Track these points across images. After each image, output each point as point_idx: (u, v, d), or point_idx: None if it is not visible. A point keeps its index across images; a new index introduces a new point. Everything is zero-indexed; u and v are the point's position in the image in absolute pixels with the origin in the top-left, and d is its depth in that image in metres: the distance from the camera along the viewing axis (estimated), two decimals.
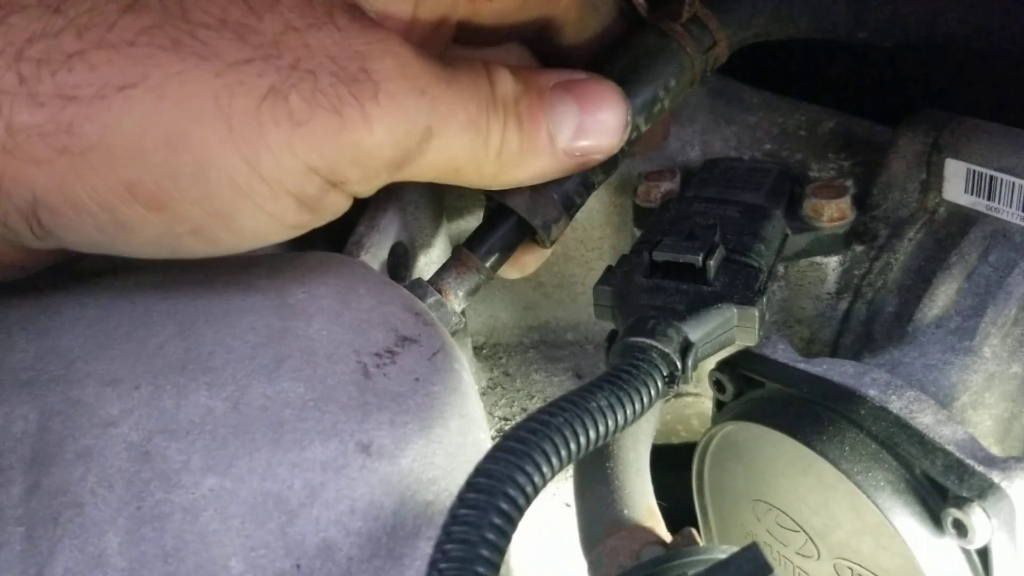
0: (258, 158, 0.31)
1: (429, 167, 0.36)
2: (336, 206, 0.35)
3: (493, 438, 0.37)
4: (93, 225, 0.32)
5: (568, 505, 0.56)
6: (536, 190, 0.44)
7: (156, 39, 0.30)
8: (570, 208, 0.44)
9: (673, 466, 0.48)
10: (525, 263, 0.48)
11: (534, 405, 0.61)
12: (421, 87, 0.34)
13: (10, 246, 0.34)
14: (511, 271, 0.48)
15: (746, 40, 0.49)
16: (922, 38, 0.47)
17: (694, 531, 0.34)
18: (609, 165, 0.44)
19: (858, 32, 0.48)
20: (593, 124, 0.40)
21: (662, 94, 0.44)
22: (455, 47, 0.42)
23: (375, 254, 0.47)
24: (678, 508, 0.45)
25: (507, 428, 0.58)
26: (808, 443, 0.39)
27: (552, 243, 0.45)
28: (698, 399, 0.59)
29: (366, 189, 0.36)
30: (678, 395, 0.60)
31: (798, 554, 0.43)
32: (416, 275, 0.51)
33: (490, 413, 0.60)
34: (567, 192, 0.44)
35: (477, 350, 0.64)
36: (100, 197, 0.31)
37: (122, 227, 0.32)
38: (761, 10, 0.48)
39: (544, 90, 0.39)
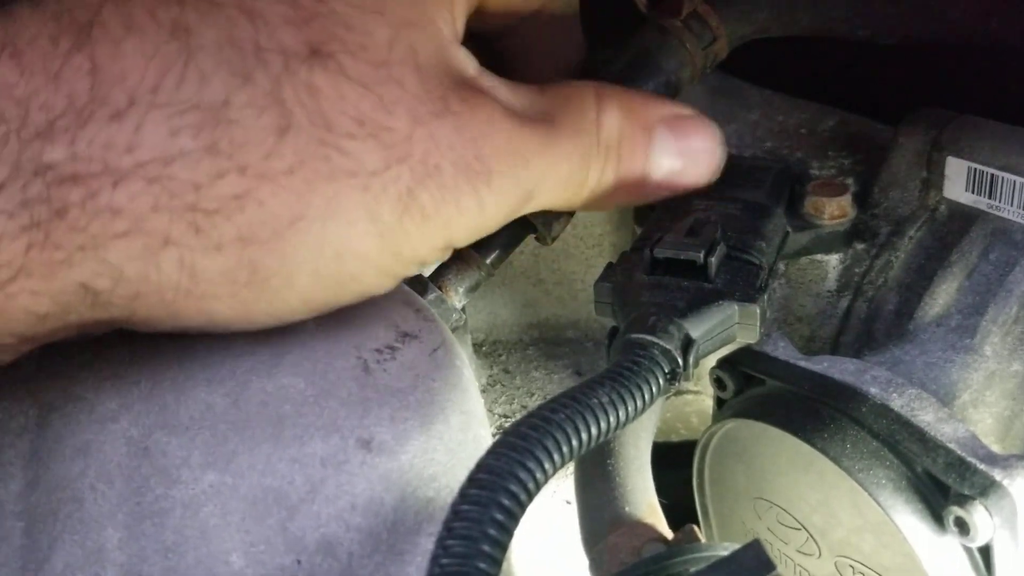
0: (400, 249, 0.34)
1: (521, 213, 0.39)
2: (441, 260, 0.41)
3: (493, 435, 0.37)
4: (258, 327, 0.35)
5: (568, 502, 0.55)
6: None
7: (309, 163, 0.31)
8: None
9: (673, 464, 0.48)
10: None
11: (534, 402, 0.61)
12: (526, 159, 0.36)
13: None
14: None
15: (746, 37, 0.49)
16: (924, 35, 0.47)
17: (696, 528, 0.34)
18: None
19: (859, 29, 0.48)
20: (690, 165, 0.41)
21: (663, 91, 0.44)
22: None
23: None
24: (678, 506, 0.45)
25: (507, 425, 0.58)
26: (809, 440, 0.39)
27: (553, 240, 0.45)
28: (698, 397, 0.59)
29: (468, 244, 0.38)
30: (678, 393, 0.59)
31: (799, 552, 0.43)
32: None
33: (490, 410, 0.60)
34: None
35: (477, 347, 0.64)
36: (278, 312, 0.34)
37: (280, 323, 0.35)
38: (761, 6, 0.48)
39: (650, 129, 0.40)
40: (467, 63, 0.36)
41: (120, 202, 0.28)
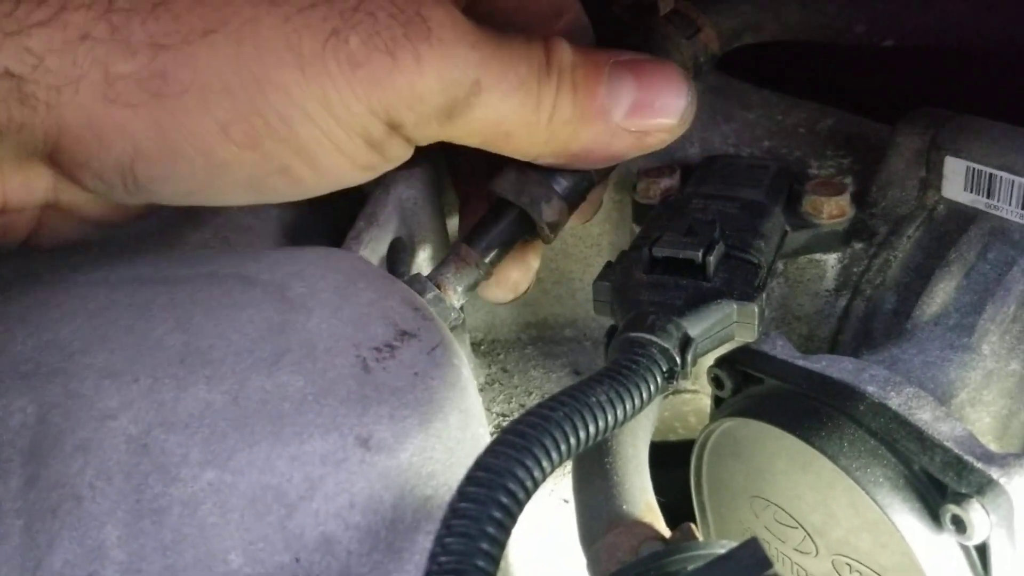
0: (328, 100, 0.34)
1: (480, 126, 0.37)
2: (398, 152, 0.38)
3: (491, 434, 0.37)
4: (188, 171, 0.34)
5: (566, 501, 0.56)
6: (536, 182, 0.44)
7: None
8: (564, 189, 0.44)
9: (670, 464, 0.48)
10: (528, 263, 0.48)
11: (532, 401, 0.61)
12: (472, 41, 0.35)
13: (95, 202, 0.36)
14: (512, 274, 0.48)
15: (738, 30, 0.49)
16: (922, 35, 0.47)
17: (693, 526, 0.34)
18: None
19: (855, 26, 0.48)
20: (652, 102, 0.39)
21: None
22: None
23: (374, 249, 0.47)
24: (675, 506, 0.45)
25: (505, 424, 0.58)
26: (807, 439, 0.39)
27: (552, 230, 0.45)
28: (696, 396, 0.59)
29: (422, 136, 0.37)
30: (676, 392, 0.60)
31: (796, 551, 0.43)
32: (415, 271, 0.51)
33: (488, 409, 0.60)
34: (567, 183, 0.44)
35: (475, 346, 0.64)
36: (197, 140, 0.33)
37: (216, 169, 0.34)
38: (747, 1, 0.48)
39: (602, 64, 0.39)
40: None
41: None
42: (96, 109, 0.32)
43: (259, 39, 0.32)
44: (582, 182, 0.45)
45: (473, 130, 0.37)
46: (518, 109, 0.37)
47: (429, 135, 0.37)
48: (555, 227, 0.45)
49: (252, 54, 0.32)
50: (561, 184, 0.44)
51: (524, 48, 0.37)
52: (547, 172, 0.44)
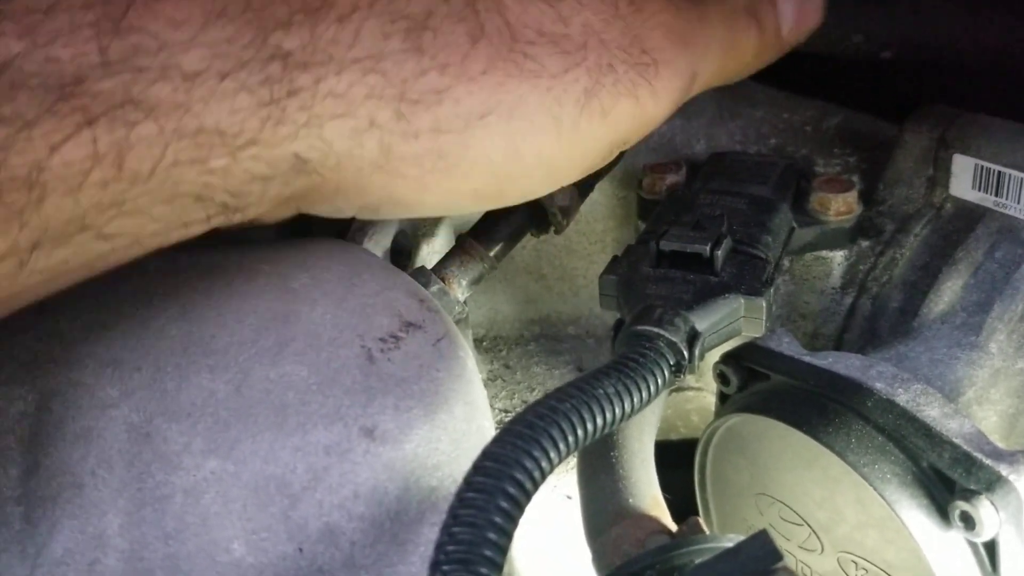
0: (575, 148, 0.37)
1: (688, 97, 0.41)
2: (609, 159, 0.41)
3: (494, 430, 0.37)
4: (422, 213, 0.39)
5: (569, 497, 0.55)
6: None
7: (500, 66, 0.35)
8: (580, 184, 0.44)
9: (673, 463, 0.48)
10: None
11: (534, 398, 0.60)
12: (684, 41, 0.39)
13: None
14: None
15: None
16: (922, 43, 0.47)
17: (700, 520, 0.34)
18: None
19: (853, 35, 0.48)
20: (807, 14, 0.45)
21: None
22: None
23: (378, 242, 0.47)
24: (678, 505, 0.45)
25: (507, 421, 0.58)
26: (814, 435, 0.39)
27: (567, 222, 0.45)
28: (699, 394, 0.59)
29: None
30: (679, 389, 0.59)
31: (801, 548, 0.43)
32: (419, 264, 0.51)
33: (490, 405, 0.60)
34: None
35: (477, 342, 0.64)
36: (449, 198, 0.37)
37: (447, 211, 0.40)
38: None
39: None
40: None
41: (340, 88, 0.32)
42: (369, 176, 0.35)
43: (526, 112, 0.35)
44: (596, 177, 0.45)
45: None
46: (721, 66, 0.42)
47: None
48: (567, 212, 0.45)
49: (519, 128, 0.35)
50: (583, 182, 0.44)
51: (718, 11, 0.41)
52: None
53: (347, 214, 0.38)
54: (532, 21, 0.36)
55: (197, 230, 0.33)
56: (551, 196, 0.44)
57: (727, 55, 0.42)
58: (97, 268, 0.32)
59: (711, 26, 0.41)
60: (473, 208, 0.39)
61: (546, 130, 0.36)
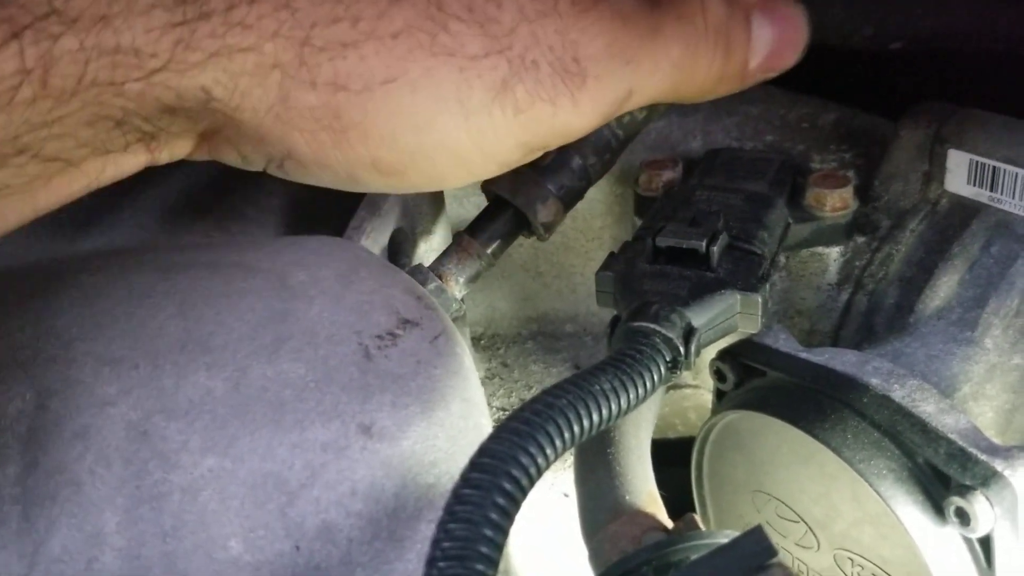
0: (484, 140, 0.36)
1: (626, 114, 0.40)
2: (526, 162, 0.39)
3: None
4: (329, 178, 0.37)
5: (566, 495, 0.55)
6: (532, 182, 0.43)
7: (415, 33, 0.33)
8: (561, 190, 0.44)
9: (670, 461, 0.48)
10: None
11: (532, 396, 0.60)
12: (627, 58, 0.37)
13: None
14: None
15: None
16: (931, 33, 0.46)
17: (696, 517, 0.34)
18: (602, 148, 0.44)
19: (863, 30, 0.47)
20: (784, 49, 0.41)
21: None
22: None
23: (376, 239, 0.47)
24: (675, 503, 0.45)
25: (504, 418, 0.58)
26: (810, 431, 0.39)
27: (547, 230, 0.45)
28: (696, 391, 0.59)
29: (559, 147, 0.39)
30: (676, 387, 0.59)
31: (798, 545, 0.43)
32: (416, 261, 0.51)
33: (487, 403, 0.60)
34: (564, 183, 0.44)
35: (475, 340, 0.64)
36: (348, 165, 0.35)
37: (353, 181, 0.37)
38: None
39: (750, 11, 0.40)
40: None
41: (251, 19, 0.32)
42: (266, 122, 0.34)
43: (433, 89, 0.34)
44: (580, 181, 0.44)
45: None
46: (668, 88, 0.39)
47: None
48: (550, 227, 0.45)
49: (423, 103, 0.34)
50: (557, 183, 0.44)
51: (677, 23, 0.38)
52: (544, 171, 0.43)
53: (255, 166, 0.37)
54: None
55: (127, 166, 0.33)
56: (534, 212, 0.44)
57: (682, 76, 0.39)
58: (40, 204, 0.32)
59: (665, 43, 0.38)
60: (380, 186, 0.38)
61: (451, 112, 0.35)
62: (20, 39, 0.28)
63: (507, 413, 0.59)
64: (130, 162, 0.33)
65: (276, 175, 0.37)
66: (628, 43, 0.37)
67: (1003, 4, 0.44)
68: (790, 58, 0.41)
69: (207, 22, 0.31)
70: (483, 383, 0.61)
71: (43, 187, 0.31)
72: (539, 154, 0.38)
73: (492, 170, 0.38)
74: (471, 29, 0.34)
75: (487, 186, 0.45)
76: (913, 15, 0.46)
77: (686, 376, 0.58)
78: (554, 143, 0.38)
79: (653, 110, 0.44)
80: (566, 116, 0.36)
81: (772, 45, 0.40)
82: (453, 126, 0.35)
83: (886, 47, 0.47)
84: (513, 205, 0.45)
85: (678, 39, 0.38)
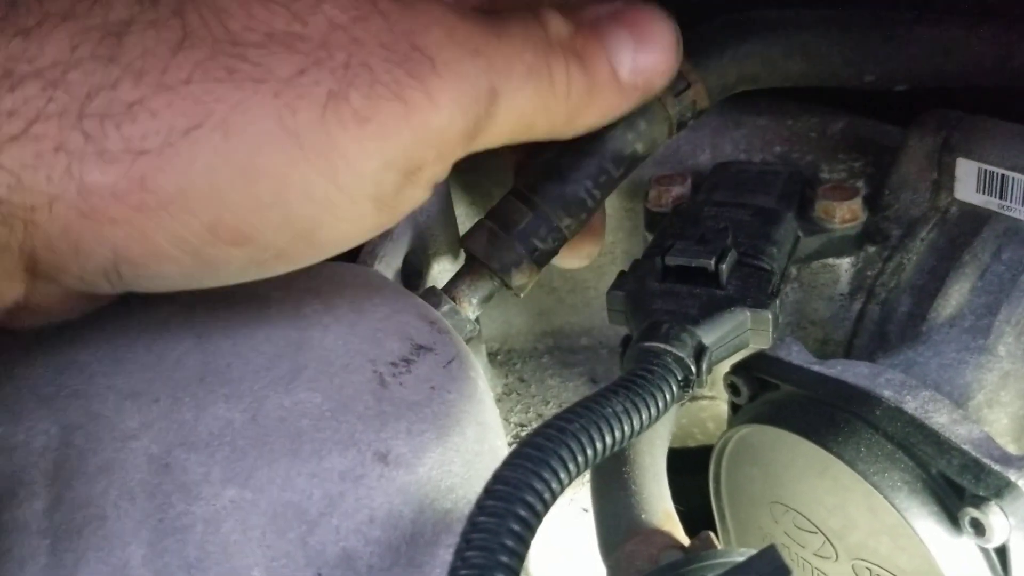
0: (334, 169, 0.31)
1: (502, 129, 0.35)
2: (414, 199, 0.35)
3: (509, 444, 0.38)
4: (177, 271, 0.32)
5: (585, 510, 0.56)
6: (507, 247, 0.43)
7: (211, 72, 0.30)
8: (535, 253, 0.43)
9: (690, 470, 0.48)
10: (598, 233, 0.46)
11: (549, 410, 0.61)
12: (474, 47, 0.33)
13: (73, 295, 0.33)
14: (586, 246, 0.46)
15: (731, 85, 0.46)
16: (937, 77, 0.46)
17: (712, 535, 0.35)
18: (576, 208, 0.43)
19: (865, 75, 0.46)
20: (649, 48, 0.38)
21: (632, 137, 0.43)
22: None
23: (389, 263, 0.48)
24: (695, 512, 0.45)
25: (523, 434, 0.58)
26: (824, 445, 0.39)
27: (520, 291, 0.44)
28: (713, 402, 0.60)
29: (442, 170, 0.35)
30: (693, 398, 0.60)
31: (816, 555, 0.43)
32: (430, 283, 0.52)
33: (505, 419, 0.60)
34: (530, 237, 0.43)
35: (491, 356, 0.65)
36: (183, 243, 0.31)
37: (206, 266, 0.32)
38: (743, 57, 0.45)
39: (596, 23, 0.38)
40: None
41: (16, 105, 0.28)
42: (72, 224, 0.30)
43: (247, 125, 0.30)
44: (555, 242, 0.44)
45: (497, 135, 0.35)
46: (534, 97, 0.36)
47: (450, 165, 0.35)
48: (523, 288, 0.44)
49: (240, 143, 0.30)
50: (532, 246, 0.43)
51: (522, 31, 0.35)
52: (519, 233, 0.43)
53: (101, 288, 0.32)
54: (259, 24, 0.31)
55: None
56: (509, 278, 0.43)
57: (542, 85, 0.36)
58: None
59: (512, 45, 0.35)
60: (242, 262, 0.33)
61: (278, 142, 0.30)
62: None
63: (526, 429, 0.60)
64: None
65: (125, 291, 0.33)
66: (470, 33, 0.34)
67: (1015, 40, 0.43)
68: (665, 58, 0.39)
69: None
70: (501, 399, 0.61)
71: None
72: (422, 176, 0.34)
73: (369, 210, 0.33)
74: (275, 51, 0.30)
75: (463, 242, 0.45)
76: (915, 62, 0.45)
77: (702, 388, 0.59)
78: (424, 153, 0.33)
79: (629, 166, 0.43)
80: (423, 113, 0.32)
81: (636, 48, 0.38)
82: (287, 160, 0.30)
83: (891, 90, 0.46)
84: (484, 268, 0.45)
85: (527, 43, 0.35)
